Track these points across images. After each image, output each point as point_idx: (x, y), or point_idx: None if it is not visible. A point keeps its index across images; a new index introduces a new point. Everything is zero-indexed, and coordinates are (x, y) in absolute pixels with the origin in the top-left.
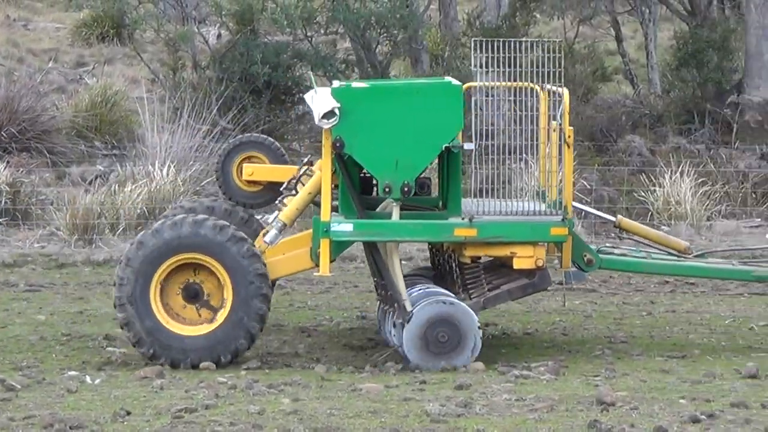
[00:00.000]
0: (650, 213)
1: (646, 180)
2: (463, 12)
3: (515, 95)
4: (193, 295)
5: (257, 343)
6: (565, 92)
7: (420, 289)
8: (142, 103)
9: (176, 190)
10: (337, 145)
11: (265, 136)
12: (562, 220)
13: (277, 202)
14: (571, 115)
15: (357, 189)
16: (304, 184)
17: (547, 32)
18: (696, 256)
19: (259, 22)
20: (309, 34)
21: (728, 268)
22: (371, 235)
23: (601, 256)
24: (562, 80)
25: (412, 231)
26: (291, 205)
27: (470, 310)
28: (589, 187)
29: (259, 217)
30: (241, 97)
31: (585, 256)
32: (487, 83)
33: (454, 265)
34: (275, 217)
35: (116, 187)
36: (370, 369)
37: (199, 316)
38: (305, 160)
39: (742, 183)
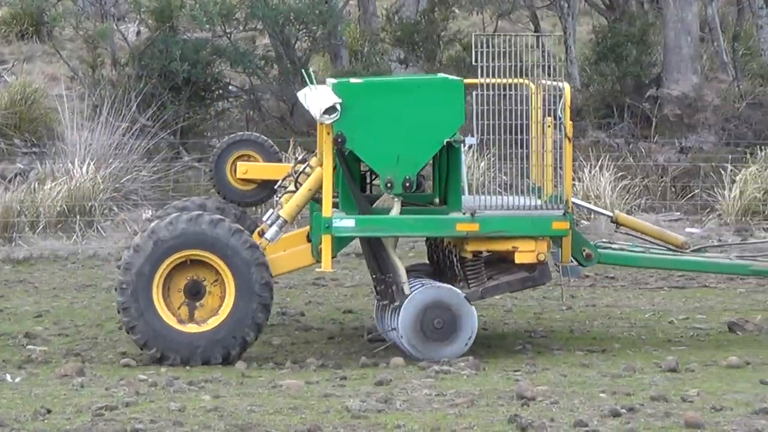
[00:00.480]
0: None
1: None
2: (382, 7)
3: (507, 91)
4: (195, 292)
5: None
6: (567, 87)
7: (419, 282)
8: (62, 100)
9: (96, 188)
10: (339, 140)
11: (258, 135)
12: (564, 214)
13: (276, 199)
14: (494, 111)
15: (358, 185)
16: (299, 182)
17: (466, 27)
18: (693, 251)
19: (178, 18)
20: (228, 30)
21: (726, 262)
22: (373, 230)
23: (599, 250)
24: (562, 74)
25: (413, 226)
26: (291, 201)
27: (465, 296)
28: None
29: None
30: (160, 94)
31: (584, 250)
32: (481, 80)
33: (455, 260)
34: (270, 215)
35: (36, 184)
36: (290, 365)
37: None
38: (299, 157)
39: (662, 177)
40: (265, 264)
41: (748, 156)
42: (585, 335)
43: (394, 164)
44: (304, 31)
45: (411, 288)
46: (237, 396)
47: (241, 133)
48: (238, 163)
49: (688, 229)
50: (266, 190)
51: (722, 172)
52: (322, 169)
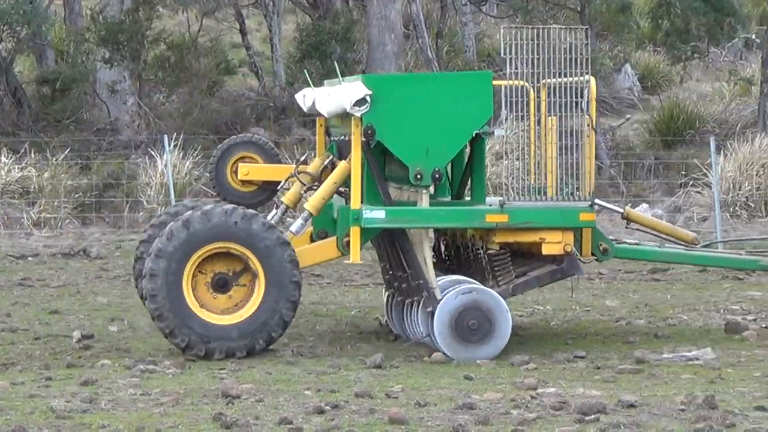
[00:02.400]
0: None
1: None
2: (87, 7)
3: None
4: (222, 284)
5: None
6: (592, 80)
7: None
8: None
9: None
10: (369, 132)
11: (258, 136)
12: (590, 205)
13: (302, 192)
14: (196, 109)
15: (384, 178)
16: (301, 182)
17: (173, 26)
18: (703, 246)
19: None
20: None
21: (737, 258)
22: (403, 222)
23: (616, 245)
24: (589, 67)
25: (444, 217)
26: (317, 194)
27: (500, 297)
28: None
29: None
30: None
31: (601, 245)
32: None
33: (481, 252)
34: (273, 215)
35: None
36: None
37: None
38: (301, 158)
39: None
40: (296, 261)
41: None
42: (291, 333)
43: (424, 156)
44: (9, 31)
45: (443, 292)
46: None
47: (242, 134)
48: (240, 165)
49: None
50: (266, 191)
51: None
52: (347, 163)
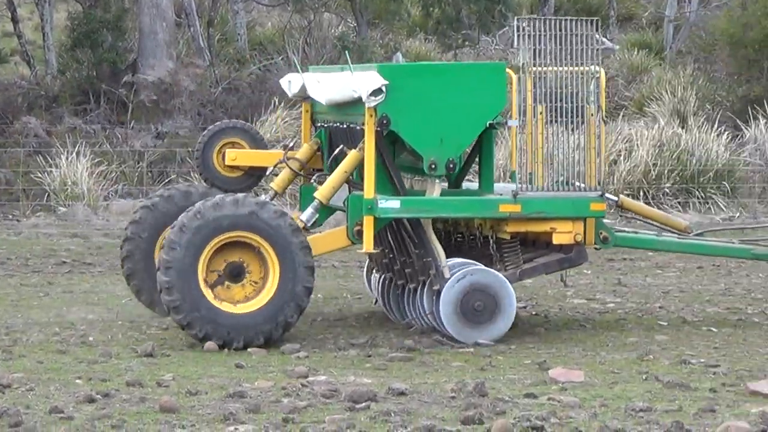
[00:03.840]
0: (47, 194)
1: (43, 161)
2: None
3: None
4: (236, 274)
5: None
6: (602, 71)
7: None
8: None
9: None
10: (384, 122)
11: (244, 122)
12: (601, 195)
13: (312, 181)
14: None
15: (397, 167)
16: (293, 170)
17: None
18: (696, 235)
19: None
20: None
21: (731, 246)
22: (417, 211)
23: (615, 234)
24: (600, 58)
25: (458, 207)
26: (327, 183)
27: (506, 279)
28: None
29: None
30: None
31: (601, 233)
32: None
33: (491, 241)
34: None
35: None
36: None
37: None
38: (290, 143)
39: (138, 162)
40: (309, 247)
41: None
42: (61, 321)
43: (438, 146)
44: None
45: (451, 271)
46: None
47: (227, 120)
48: (227, 150)
49: None
50: (252, 177)
51: None
52: (358, 152)
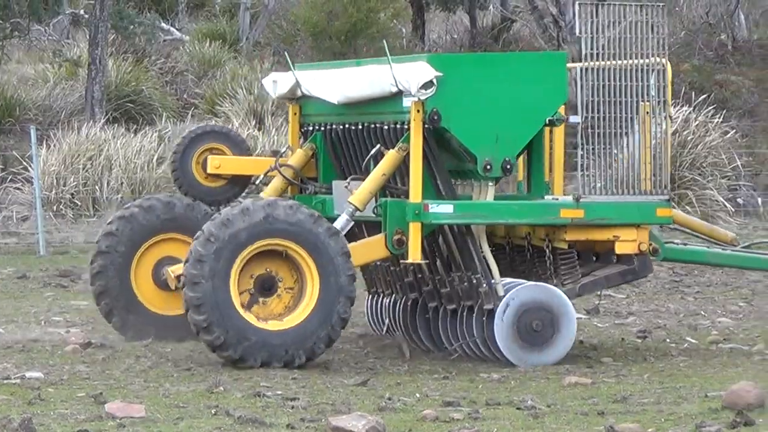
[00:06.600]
0: None
1: None
2: None
3: None
4: (268, 287)
5: None
6: (668, 64)
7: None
8: None
9: None
10: (434, 117)
11: (223, 125)
12: (667, 200)
13: (346, 185)
14: None
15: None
16: (286, 178)
17: None
18: (744, 247)
19: None
20: None
21: None
22: (473, 217)
23: (666, 245)
24: (666, 47)
25: (517, 213)
26: (363, 187)
27: (565, 296)
28: None
29: None
30: None
31: (651, 245)
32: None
33: (547, 251)
34: None
35: None
36: None
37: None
38: (283, 150)
39: None
40: (349, 253)
41: None
42: None
43: (493, 144)
44: None
45: (506, 288)
46: None
47: (204, 124)
48: (209, 157)
49: None
50: (237, 186)
51: None
52: (397, 152)
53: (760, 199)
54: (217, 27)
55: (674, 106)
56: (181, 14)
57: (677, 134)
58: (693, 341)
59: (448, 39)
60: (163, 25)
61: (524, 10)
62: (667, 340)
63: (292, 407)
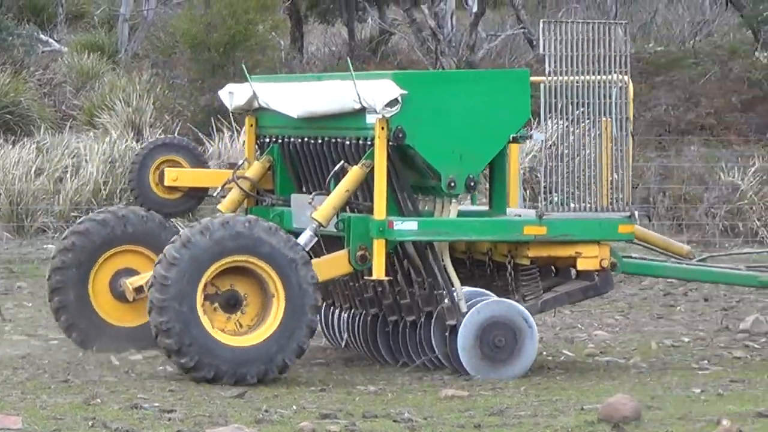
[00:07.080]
0: None
1: None
2: None
3: None
4: (233, 303)
5: None
6: (629, 81)
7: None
8: None
9: None
10: (399, 135)
11: (181, 138)
12: (629, 216)
13: (310, 201)
14: None
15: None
16: (243, 190)
17: None
18: (699, 260)
19: None
20: None
21: (737, 273)
22: (436, 234)
23: (623, 260)
24: (629, 66)
25: (480, 229)
26: (326, 204)
27: (527, 312)
28: None
29: None
30: None
31: (610, 260)
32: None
33: (509, 266)
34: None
35: None
36: None
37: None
38: (240, 162)
39: None
40: (317, 283)
41: None
42: None
43: (458, 162)
44: None
45: (468, 305)
46: None
47: (163, 136)
48: (166, 170)
49: None
50: (193, 199)
51: None
52: (360, 168)
53: (636, 213)
54: (96, 38)
55: (551, 120)
56: (60, 25)
57: (555, 146)
58: (570, 354)
59: (326, 51)
60: (42, 36)
61: (402, 22)
62: (544, 353)
63: (169, 419)
